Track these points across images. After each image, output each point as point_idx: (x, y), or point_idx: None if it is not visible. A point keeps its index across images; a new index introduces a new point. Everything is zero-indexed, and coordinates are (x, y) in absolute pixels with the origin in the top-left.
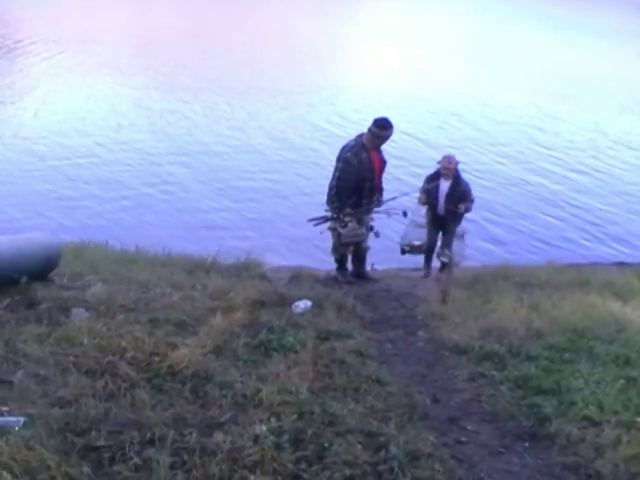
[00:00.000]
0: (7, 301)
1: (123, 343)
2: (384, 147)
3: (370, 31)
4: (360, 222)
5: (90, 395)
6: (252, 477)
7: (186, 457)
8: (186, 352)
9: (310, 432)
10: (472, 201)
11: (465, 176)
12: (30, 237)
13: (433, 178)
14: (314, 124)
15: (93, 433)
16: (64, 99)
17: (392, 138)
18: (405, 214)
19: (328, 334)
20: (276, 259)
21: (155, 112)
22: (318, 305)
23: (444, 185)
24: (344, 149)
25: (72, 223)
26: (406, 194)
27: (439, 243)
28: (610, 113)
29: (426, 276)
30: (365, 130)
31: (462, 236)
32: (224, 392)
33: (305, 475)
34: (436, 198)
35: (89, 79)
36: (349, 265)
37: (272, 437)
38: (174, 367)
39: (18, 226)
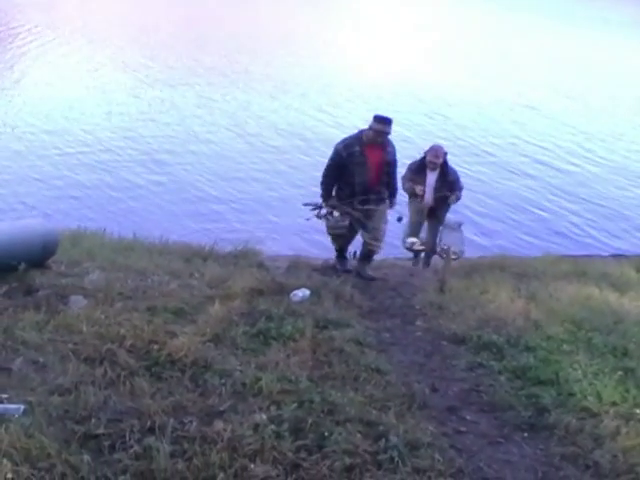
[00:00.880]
0: (5, 288)
1: (122, 331)
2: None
3: (367, 24)
4: (344, 215)
5: (89, 383)
6: (252, 466)
7: (186, 445)
8: (185, 340)
9: (310, 421)
10: (461, 189)
11: (454, 165)
12: (27, 224)
13: (419, 169)
14: (308, 113)
15: (93, 421)
16: (56, 87)
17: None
18: (400, 220)
19: (326, 323)
20: (273, 247)
21: (149, 101)
22: (316, 294)
23: (431, 177)
24: (340, 141)
25: (67, 210)
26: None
27: (424, 234)
28: (606, 105)
29: (415, 265)
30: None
31: (459, 227)
32: (223, 380)
33: (305, 464)
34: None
35: (82, 66)
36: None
37: (272, 426)
38: (173, 355)
39: (13, 215)
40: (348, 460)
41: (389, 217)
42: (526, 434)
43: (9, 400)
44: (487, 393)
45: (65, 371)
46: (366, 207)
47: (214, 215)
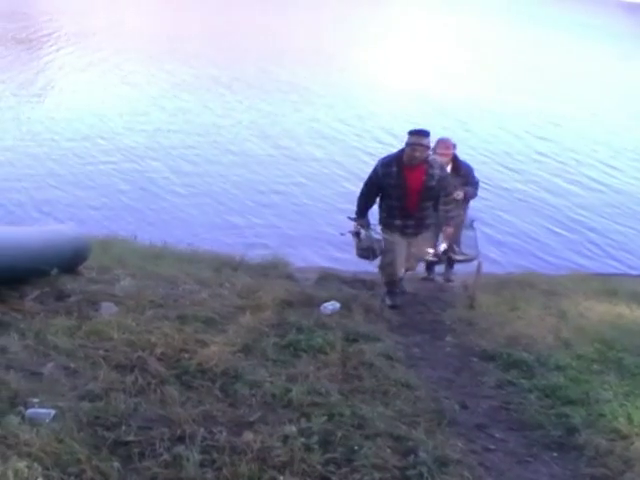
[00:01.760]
0: (37, 293)
1: (152, 339)
2: None
3: (392, 38)
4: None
5: (120, 390)
6: (281, 477)
7: (215, 455)
8: (215, 350)
9: (339, 434)
10: (477, 184)
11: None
12: (60, 229)
13: None
14: (333, 125)
15: (123, 428)
16: (83, 95)
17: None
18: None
19: (356, 336)
20: (302, 259)
21: (175, 110)
22: (346, 307)
23: None
24: (381, 157)
25: (97, 217)
26: None
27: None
28: (632, 122)
29: (426, 279)
30: None
31: (471, 225)
32: (253, 391)
33: (334, 477)
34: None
35: (109, 75)
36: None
37: (301, 438)
38: (203, 364)
39: (44, 221)
40: (377, 475)
41: None
42: (555, 454)
43: (40, 405)
44: (516, 411)
45: (96, 377)
46: (404, 231)
47: (242, 225)
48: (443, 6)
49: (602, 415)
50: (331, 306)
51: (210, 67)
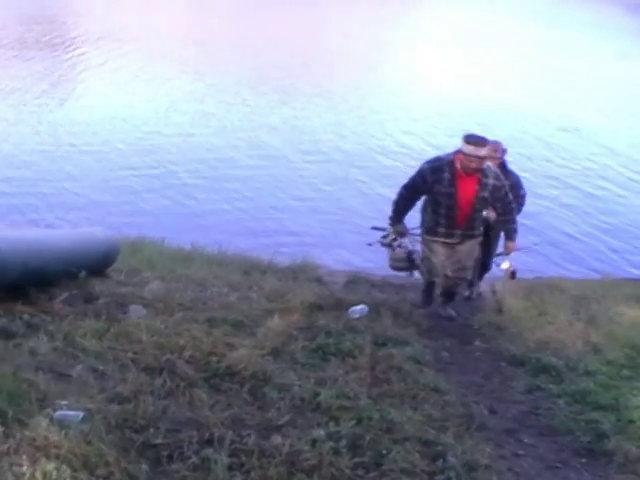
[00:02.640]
0: (65, 295)
1: (181, 341)
2: None
3: (422, 37)
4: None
5: (148, 392)
6: None
7: (244, 458)
8: (244, 353)
9: (368, 438)
10: (523, 197)
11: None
12: (89, 231)
13: None
14: (361, 130)
15: (151, 430)
16: (107, 97)
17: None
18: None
19: (385, 340)
20: (331, 262)
21: (204, 112)
22: (374, 310)
23: None
24: (428, 160)
25: (125, 219)
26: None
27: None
28: None
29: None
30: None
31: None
32: (282, 395)
33: None
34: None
35: (136, 79)
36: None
37: (330, 442)
38: (232, 367)
39: (73, 223)
40: (406, 479)
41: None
42: (584, 460)
43: (68, 407)
44: (545, 417)
45: (124, 380)
46: (447, 240)
47: (272, 227)
48: (448, 5)
49: (632, 421)
50: (359, 309)
51: (234, 71)
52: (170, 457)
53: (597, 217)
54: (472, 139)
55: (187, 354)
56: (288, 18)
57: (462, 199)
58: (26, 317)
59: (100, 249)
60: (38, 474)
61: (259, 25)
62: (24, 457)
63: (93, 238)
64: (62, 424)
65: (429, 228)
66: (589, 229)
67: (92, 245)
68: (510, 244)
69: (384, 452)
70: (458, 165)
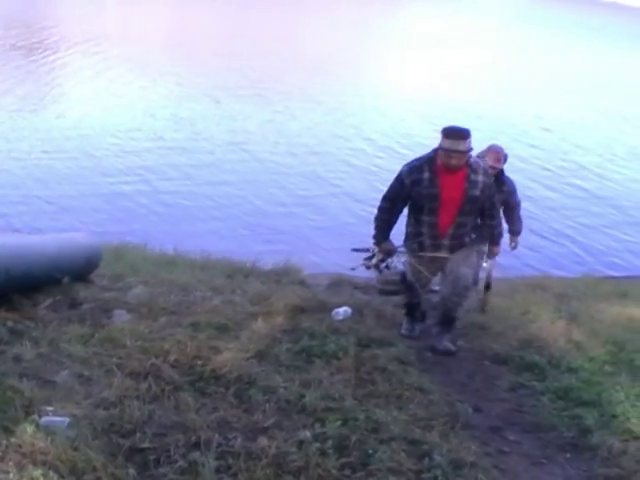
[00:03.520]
0: (49, 301)
1: (166, 346)
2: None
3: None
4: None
5: (134, 397)
6: None
7: (231, 461)
8: (229, 356)
9: (354, 439)
10: (518, 204)
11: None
12: (71, 237)
13: None
14: (354, 136)
15: (138, 435)
16: (92, 101)
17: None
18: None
19: (369, 341)
20: (314, 266)
21: (194, 116)
22: (358, 312)
23: None
24: (407, 162)
25: (107, 224)
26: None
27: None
28: None
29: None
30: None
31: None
32: (267, 397)
33: None
34: None
35: (120, 83)
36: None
37: (316, 443)
38: (217, 371)
39: (55, 229)
40: (393, 478)
41: None
42: (569, 455)
43: (54, 413)
44: (530, 413)
45: (110, 385)
46: (435, 254)
47: (254, 231)
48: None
49: (615, 416)
50: (343, 311)
51: (211, 75)
52: (157, 461)
53: (574, 218)
54: (450, 132)
55: (172, 358)
56: (266, 21)
57: (447, 200)
58: (10, 324)
59: (83, 254)
60: None
61: (237, 29)
62: (10, 464)
63: (75, 243)
64: (48, 430)
65: (412, 243)
66: (567, 230)
67: (74, 250)
68: (495, 248)
69: (370, 452)
70: (439, 161)
